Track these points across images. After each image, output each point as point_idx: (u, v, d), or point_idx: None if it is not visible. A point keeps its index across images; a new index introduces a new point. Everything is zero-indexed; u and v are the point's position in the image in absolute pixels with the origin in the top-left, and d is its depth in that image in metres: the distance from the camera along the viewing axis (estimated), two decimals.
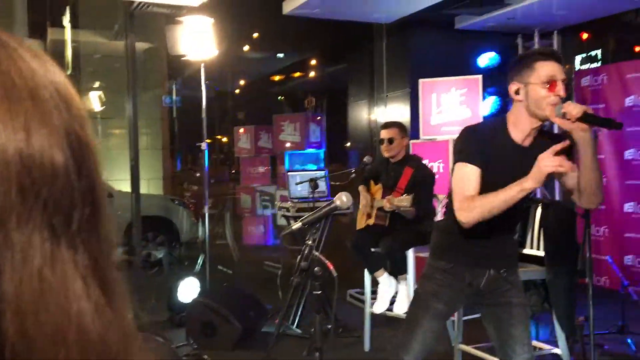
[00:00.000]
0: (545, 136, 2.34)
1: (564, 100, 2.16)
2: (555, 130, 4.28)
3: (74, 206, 0.43)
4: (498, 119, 2.39)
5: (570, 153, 2.21)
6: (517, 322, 2.38)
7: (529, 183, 2.07)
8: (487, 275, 2.38)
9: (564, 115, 2.10)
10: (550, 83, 2.16)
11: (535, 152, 2.14)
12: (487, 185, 2.22)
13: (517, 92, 2.24)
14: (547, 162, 2.03)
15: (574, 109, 2.06)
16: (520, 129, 2.26)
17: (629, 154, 5.74)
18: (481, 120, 5.23)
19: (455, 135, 5.43)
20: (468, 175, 2.22)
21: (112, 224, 0.48)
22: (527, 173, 2.09)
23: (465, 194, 2.20)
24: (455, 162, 2.33)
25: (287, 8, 5.62)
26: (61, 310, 0.40)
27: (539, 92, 2.17)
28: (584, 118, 2.05)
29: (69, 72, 6.99)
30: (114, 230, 0.48)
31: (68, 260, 0.42)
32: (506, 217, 2.24)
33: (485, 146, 2.25)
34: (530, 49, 2.37)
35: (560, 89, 2.16)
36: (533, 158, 2.10)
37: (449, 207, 2.41)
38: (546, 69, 2.18)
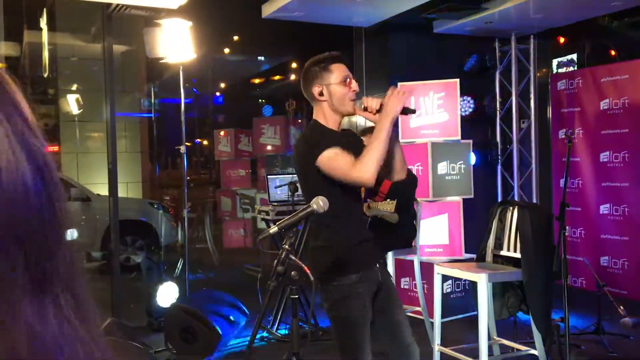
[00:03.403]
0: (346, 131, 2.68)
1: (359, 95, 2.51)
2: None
3: (47, 238, 0.39)
4: (310, 126, 2.59)
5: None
6: (400, 309, 2.56)
7: (392, 110, 2.38)
8: (378, 270, 2.53)
9: (365, 109, 2.46)
10: (347, 81, 2.48)
11: (351, 136, 2.62)
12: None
13: (320, 94, 2.49)
14: (398, 92, 2.41)
15: (372, 102, 2.44)
16: (332, 122, 2.53)
17: (604, 156, 5.83)
18: (458, 122, 5.28)
19: (435, 139, 5.46)
20: (337, 152, 2.38)
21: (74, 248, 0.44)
22: (358, 151, 2.39)
23: (349, 160, 2.35)
24: (314, 162, 2.40)
25: (267, 11, 5.62)
26: (27, 349, 0.37)
27: (340, 90, 2.47)
28: (381, 110, 2.42)
29: (45, 75, 6.91)
30: (79, 256, 0.45)
31: (50, 305, 0.39)
32: (360, 209, 2.58)
33: (323, 138, 2.44)
34: (321, 55, 2.53)
35: (355, 85, 2.50)
36: (353, 140, 2.55)
37: (331, 223, 2.45)
38: (341, 69, 2.50)
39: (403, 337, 2.53)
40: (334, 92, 2.47)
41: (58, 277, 0.40)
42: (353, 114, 2.55)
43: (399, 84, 5.48)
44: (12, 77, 0.44)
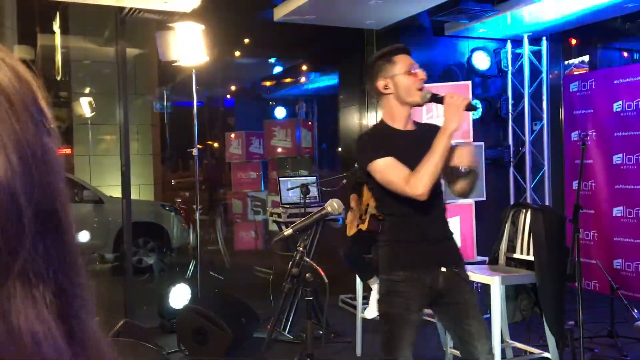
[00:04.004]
0: (419, 124, 2.58)
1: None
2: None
3: (22, 233, 0.38)
4: (375, 125, 2.55)
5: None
6: (472, 320, 2.43)
7: (451, 125, 2.27)
8: (442, 273, 2.42)
9: (430, 100, 2.39)
10: (412, 70, 2.42)
11: (421, 134, 2.42)
12: None
13: (386, 87, 2.43)
14: (457, 98, 2.29)
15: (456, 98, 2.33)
16: (398, 119, 2.45)
17: (617, 158, 5.79)
18: (470, 124, 5.27)
19: None
20: (389, 164, 2.32)
21: (77, 246, 0.43)
22: (425, 152, 2.28)
23: (402, 175, 2.28)
24: (365, 166, 2.37)
25: (279, 14, 5.64)
26: (12, 349, 0.36)
27: (406, 80, 2.40)
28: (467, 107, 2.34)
29: (59, 77, 6.97)
30: (79, 253, 0.43)
31: (20, 296, 0.38)
32: (432, 208, 2.39)
33: (380, 143, 2.38)
34: (384, 49, 2.52)
35: (421, 74, 2.43)
36: (422, 139, 2.36)
37: (385, 216, 2.47)
38: (405, 59, 2.44)
39: (471, 350, 2.43)
40: (400, 83, 2.41)
41: (37, 263, 0.39)
42: (421, 104, 2.48)
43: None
44: (36, 77, 0.44)
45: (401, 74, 2.40)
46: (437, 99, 2.38)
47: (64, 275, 0.41)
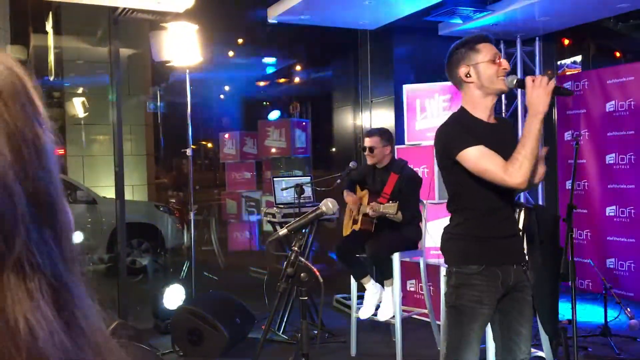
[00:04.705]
0: (498, 118, 2.52)
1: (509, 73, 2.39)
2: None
3: (16, 223, 0.38)
4: (456, 113, 2.47)
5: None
6: (525, 321, 2.41)
7: (540, 107, 2.23)
8: (513, 270, 2.39)
9: (517, 85, 2.33)
10: (496, 59, 2.36)
11: (503, 128, 2.41)
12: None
13: (467, 75, 2.38)
14: (544, 80, 2.24)
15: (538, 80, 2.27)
16: (481, 109, 2.39)
17: (610, 158, 5.82)
18: None
19: None
20: (484, 152, 2.26)
21: (72, 238, 0.43)
22: (508, 146, 2.26)
23: (500, 163, 2.23)
24: (455, 155, 2.30)
25: (272, 14, 5.64)
26: (9, 341, 0.36)
27: (490, 68, 2.35)
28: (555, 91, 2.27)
29: (51, 78, 6.94)
30: (76, 245, 0.43)
31: (15, 287, 0.38)
32: (507, 204, 2.38)
33: (468, 131, 2.33)
34: (465, 37, 2.47)
35: (505, 63, 2.38)
36: (504, 133, 2.37)
37: (459, 209, 2.41)
38: (489, 48, 2.39)
39: (515, 349, 2.40)
40: (483, 71, 2.36)
41: (31, 254, 0.39)
42: (505, 91, 2.43)
43: (405, 87, 5.48)
44: (29, 73, 0.44)
45: (484, 62, 2.36)
46: (522, 84, 2.32)
47: (62, 266, 0.41)
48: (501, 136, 2.37)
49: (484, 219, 2.38)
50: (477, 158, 2.26)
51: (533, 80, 2.26)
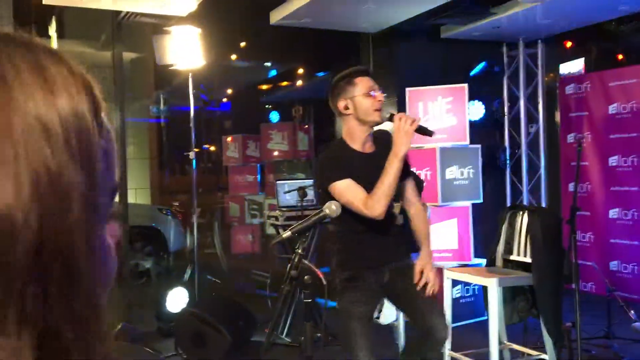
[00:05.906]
0: (377, 140, 2.70)
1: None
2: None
3: (10, 270, 0.34)
4: (336, 141, 2.72)
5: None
6: (420, 298, 2.65)
7: (401, 149, 2.44)
8: (386, 271, 2.66)
9: (389, 119, 2.54)
10: (371, 92, 2.56)
11: (378, 155, 2.57)
12: None
13: (346, 107, 2.58)
14: (406, 121, 2.45)
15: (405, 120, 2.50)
16: (356, 139, 2.61)
17: (613, 160, 5.81)
18: (467, 127, 5.29)
19: (443, 143, 5.46)
20: (349, 186, 2.49)
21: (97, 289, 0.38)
22: (380, 174, 2.46)
23: (361, 197, 2.47)
24: (326, 187, 2.53)
25: (275, 18, 5.65)
26: None
27: (365, 101, 2.55)
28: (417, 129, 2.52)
29: None
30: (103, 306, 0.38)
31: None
32: (377, 223, 2.58)
33: (340, 164, 2.54)
34: (346, 70, 2.68)
35: (380, 96, 2.58)
36: (378, 161, 2.53)
37: (340, 225, 2.65)
38: (365, 82, 2.59)
39: (423, 320, 2.64)
40: (359, 104, 2.56)
41: (21, 317, 0.35)
42: (380, 122, 2.62)
43: (407, 90, 5.49)
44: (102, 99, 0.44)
45: (360, 96, 2.55)
46: (391, 118, 2.54)
47: (70, 330, 0.36)
48: (375, 164, 2.54)
49: (356, 236, 2.65)
50: (343, 190, 2.48)
51: (400, 119, 2.48)
